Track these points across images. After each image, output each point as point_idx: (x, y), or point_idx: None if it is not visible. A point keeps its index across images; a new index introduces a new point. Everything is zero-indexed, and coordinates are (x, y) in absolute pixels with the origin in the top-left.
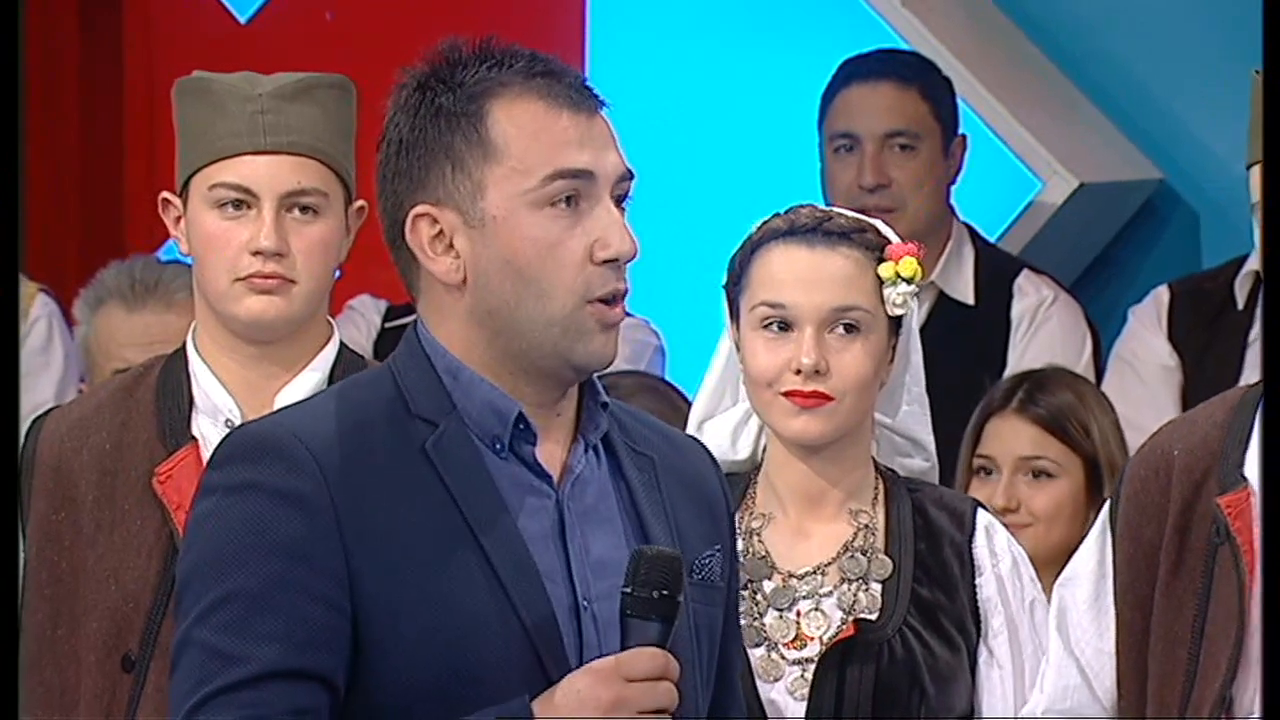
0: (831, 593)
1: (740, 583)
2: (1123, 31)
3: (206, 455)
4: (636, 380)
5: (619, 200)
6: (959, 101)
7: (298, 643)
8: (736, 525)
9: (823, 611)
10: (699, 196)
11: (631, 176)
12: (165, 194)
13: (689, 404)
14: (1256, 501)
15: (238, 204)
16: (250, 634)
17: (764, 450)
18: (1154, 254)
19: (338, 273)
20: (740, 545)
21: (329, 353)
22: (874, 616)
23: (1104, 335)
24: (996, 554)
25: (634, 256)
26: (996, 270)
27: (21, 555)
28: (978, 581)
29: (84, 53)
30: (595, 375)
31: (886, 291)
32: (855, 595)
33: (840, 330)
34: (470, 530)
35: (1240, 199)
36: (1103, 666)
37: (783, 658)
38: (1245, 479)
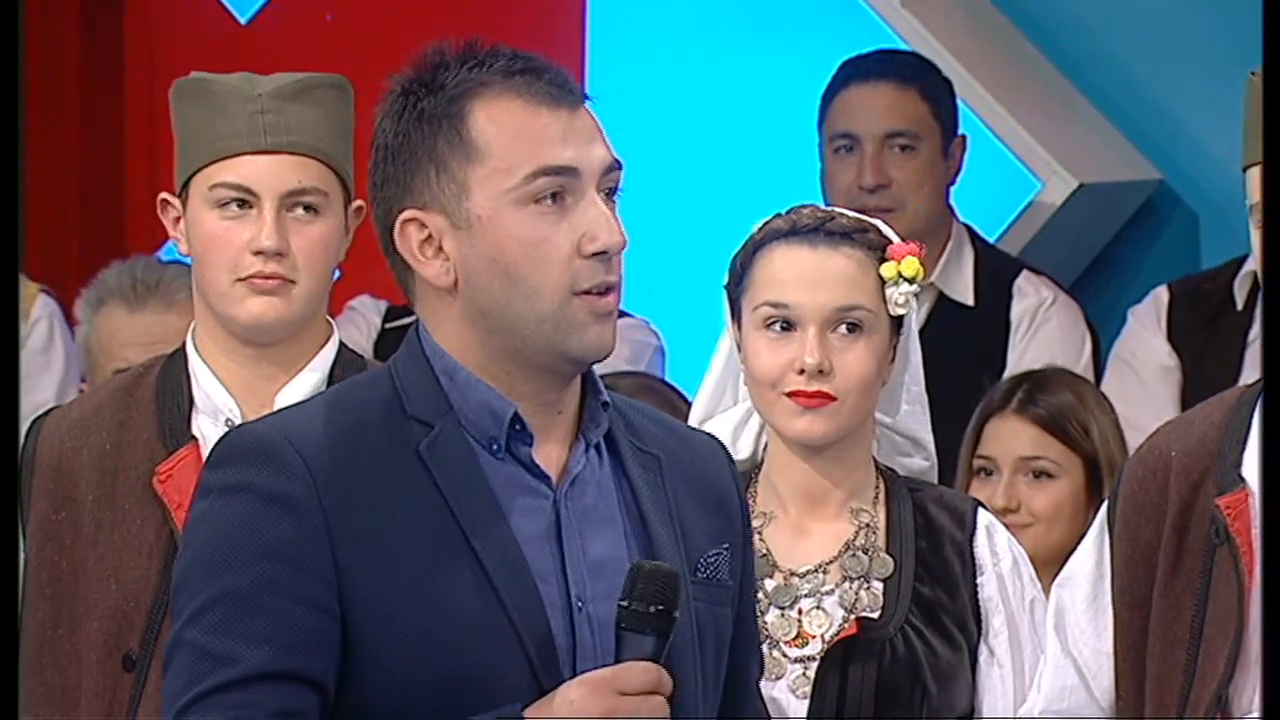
0: (833, 591)
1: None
2: (1122, 32)
3: (206, 455)
4: (636, 381)
5: (610, 192)
6: (959, 102)
7: (286, 645)
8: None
9: (824, 610)
10: (699, 196)
11: (620, 167)
12: (164, 195)
13: (689, 404)
14: (1255, 502)
15: (239, 204)
16: (239, 635)
17: (764, 449)
18: (1153, 254)
19: (337, 273)
20: None
21: (328, 353)
22: (876, 615)
23: (1103, 336)
24: (997, 553)
25: (622, 248)
26: (996, 271)
27: (22, 555)
28: (979, 580)
29: (84, 53)
30: (598, 375)
31: (888, 291)
32: (857, 594)
33: (843, 330)
34: (462, 532)
35: (1239, 199)
36: (1100, 667)
37: (784, 656)
38: (1244, 480)
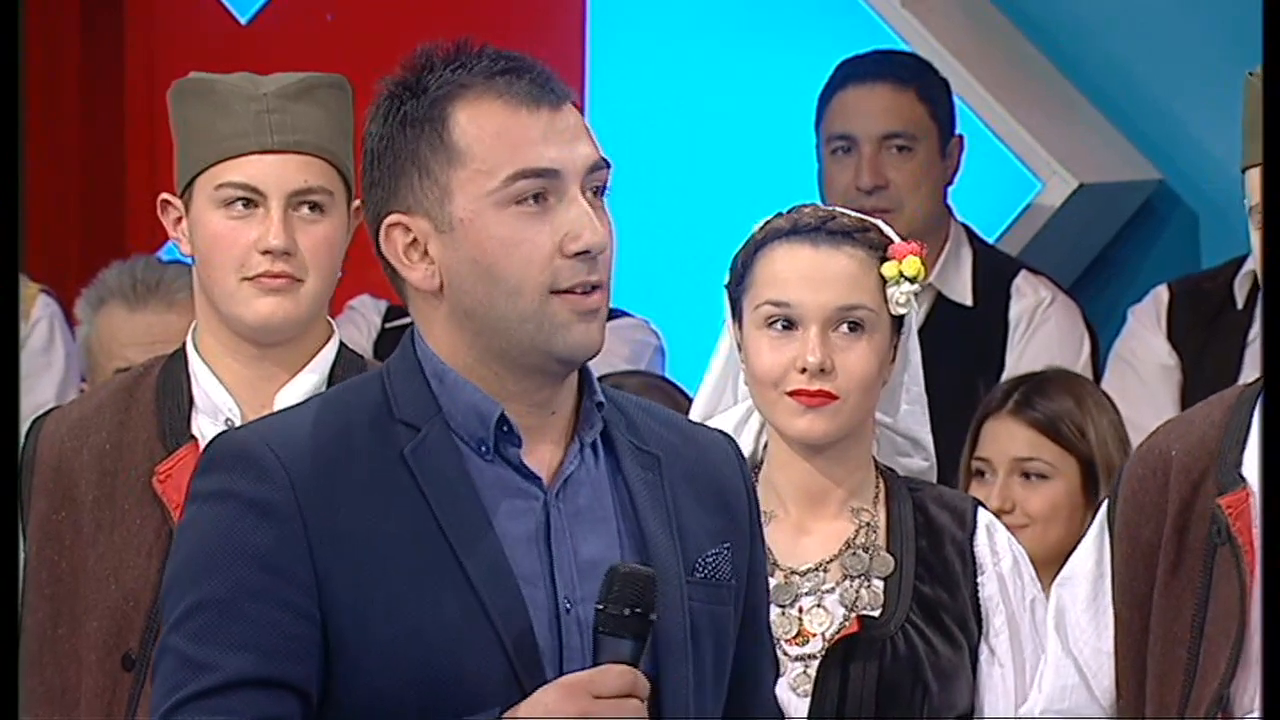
0: (834, 589)
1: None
2: (1122, 32)
3: None
4: (641, 380)
5: (598, 190)
6: (958, 102)
7: (267, 651)
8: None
9: (825, 608)
10: (698, 197)
11: (607, 165)
12: (165, 195)
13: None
14: (1256, 501)
15: (244, 203)
16: (220, 642)
17: (765, 449)
18: (1153, 254)
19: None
20: None
21: (328, 353)
22: (877, 613)
23: (1103, 336)
24: (998, 552)
25: (605, 247)
26: (994, 271)
27: (22, 555)
28: (979, 580)
29: (85, 53)
30: (596, 375)
31: (890, 291)
32: (858, 592)
33: (844, 329)
34: (445, 536)
35: (1239, 200)
36: (1101, 666)
37: (785, 654)
38: (1244, 479)
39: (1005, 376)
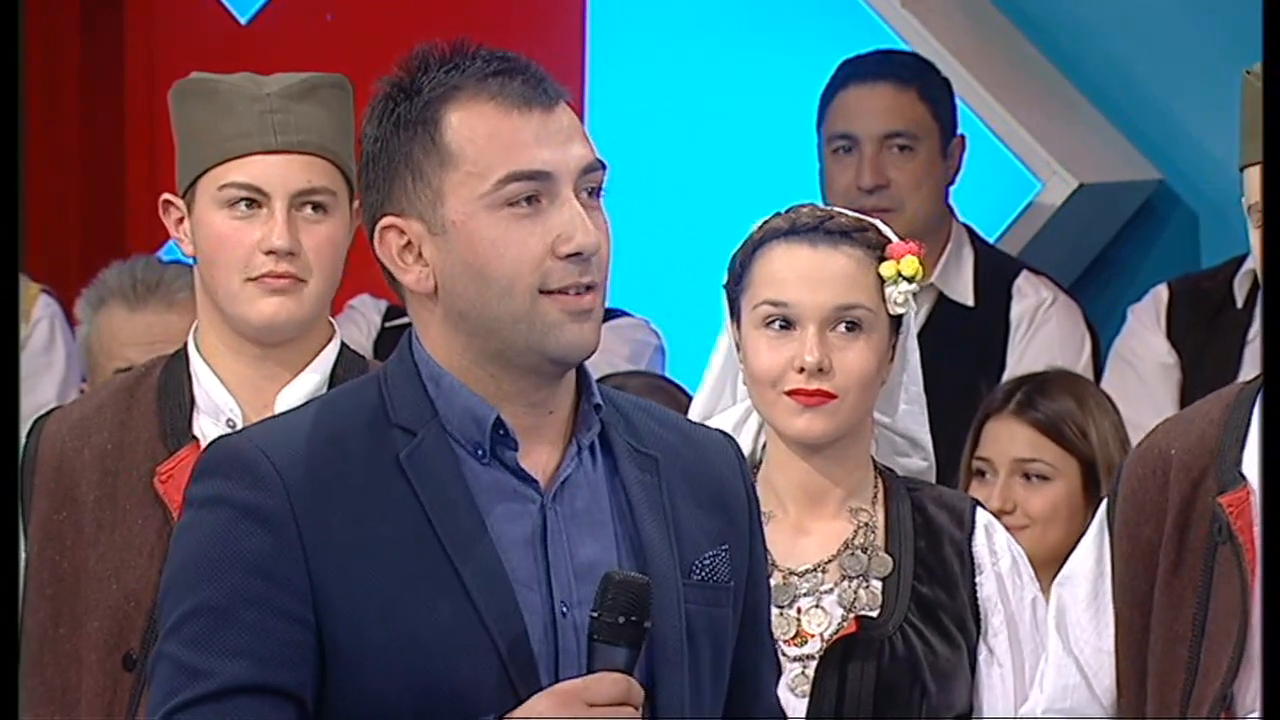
0: (832, 590)
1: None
2: (1122, 33)
3: None
4: (644, 381)
5: (592, 191)
6: (958, 102)
7: (262, 658)
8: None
9: (823, 609)
10: (698, 197)
11: (602, 166)
12: (167, 195)
13: None
14: (1257, 500)
15: (248, 203)
16: (215, 649)
17: (763, 449)
18: (1153, 254)
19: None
20: None
21: (330, 353)
22: (875, 613)
23: (1103, 335)
24: (996, 552)
25: (598, 249)
26: (996, 271)
27: (22, 555)
28: (978, 580)
29: (85, 53)
30: (598, 375)
31: (888, 290)
32: (856, 592)
33: (842, 329)
34: (440, 542)
35: (1239, 199)
36: (1102, 665)
37: (783, 654)
38: (1244, 478)
39: (1006, 377)
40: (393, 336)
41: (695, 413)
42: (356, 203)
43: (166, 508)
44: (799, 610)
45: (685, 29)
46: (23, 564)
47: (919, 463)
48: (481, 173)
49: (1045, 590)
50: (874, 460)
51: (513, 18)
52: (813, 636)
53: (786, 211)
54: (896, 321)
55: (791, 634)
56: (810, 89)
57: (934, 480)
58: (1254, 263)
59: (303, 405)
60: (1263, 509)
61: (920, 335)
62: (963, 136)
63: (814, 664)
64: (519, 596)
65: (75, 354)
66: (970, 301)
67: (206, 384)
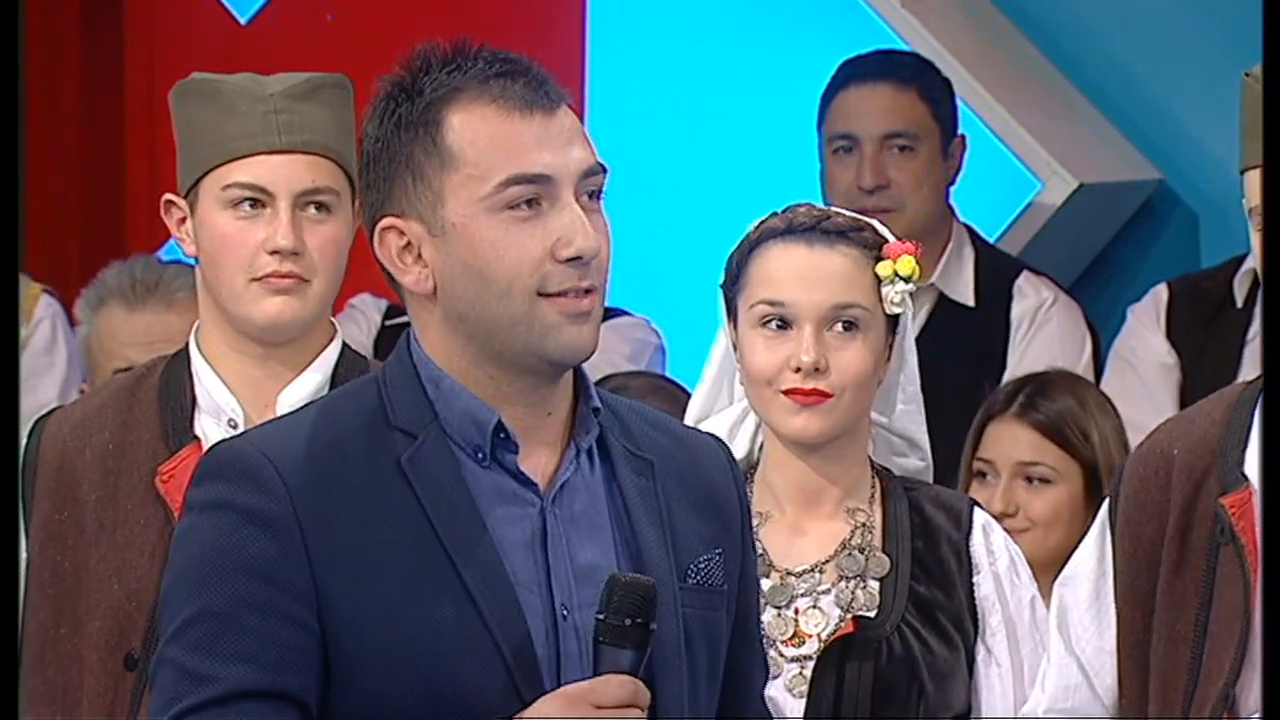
0: (829, 590)
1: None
2: (1122, 33)
3: None
4: (646, 381)
5: (593, 194)
6: (959, 102)
7: (266, 663)
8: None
9: (820, 609)
10: (698, 196)
11: (603, 170)
12: (169, 195)
13: None
14: (1258, 500)
15: (252, 203)
16: (219, 654)
17: (760, 449)
18: (1153, 254)
19: None
20: None
21: (332, 353)
22: (872, 614)
23: (1103, 335)
24: (994, 552)
25: (598, 252)
26: (996, 272)
27: (23, 555)
28: (975, 580)
29: (85, 53)
30: (599, 375)
31: (884, 290)
32: (853, 593)
33: (839, 328)
34: (442, 545)
35: (1239, 200)
36: (1103, 665)
37: (781, 655)
38: (1246, 478)
39: (1007, 377)
40: (393, 335)
41: (693, 413)
42: (358, 202)
43: (168, 508)
44: (796, 610)
45: (685, 29)
46: (24, 564)
47: (916, 463)
48: (482, 175)
49: (1046, 593)
50: (871, 460)
51: (513, 18)
52: (810, 637)
53: (783, 211)
54: (893, 321)
55: (789, 634)
56: (810, 89)
57: (932, 480)
58: (1254, 264)
59: (302, 408)
60: (1263, 509)
61: (921, 335)
62: (963, 136)
63: (811, 664)
64: (520, 600)
65: (77, 354)
66: (971, 301)
67: (208, 384)
